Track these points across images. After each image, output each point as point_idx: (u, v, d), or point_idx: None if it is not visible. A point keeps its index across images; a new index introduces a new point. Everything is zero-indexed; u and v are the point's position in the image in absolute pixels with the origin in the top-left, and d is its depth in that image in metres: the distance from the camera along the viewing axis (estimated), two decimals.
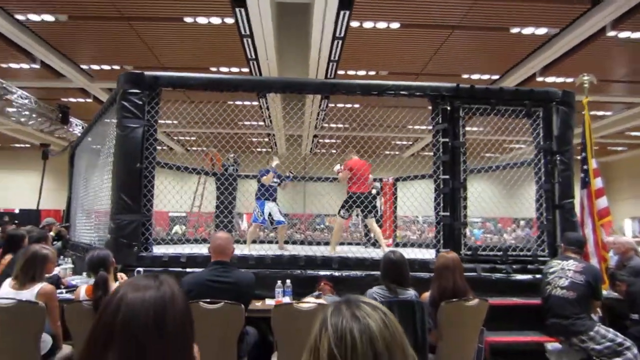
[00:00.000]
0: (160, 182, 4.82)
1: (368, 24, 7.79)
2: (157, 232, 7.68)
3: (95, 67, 10.21)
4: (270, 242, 8.31)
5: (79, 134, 10.57)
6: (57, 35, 8.59)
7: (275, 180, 6.61)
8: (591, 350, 3.67)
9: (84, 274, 5.09)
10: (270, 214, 6.50)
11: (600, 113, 13.63)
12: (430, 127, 4.87)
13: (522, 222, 10.99)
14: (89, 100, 12.43)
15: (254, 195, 6.68)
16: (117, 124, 4.51)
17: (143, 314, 1.01)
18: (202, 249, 4.68)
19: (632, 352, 3.57)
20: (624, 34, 7.99)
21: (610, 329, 3.74)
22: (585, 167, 4.87)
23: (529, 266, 4.54)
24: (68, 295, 4.06)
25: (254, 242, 6.94)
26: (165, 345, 1.02)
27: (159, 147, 4.66)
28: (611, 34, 7.95)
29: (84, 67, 10.29)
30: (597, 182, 4.78)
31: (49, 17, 7.68)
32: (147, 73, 4.55)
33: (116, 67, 9.92)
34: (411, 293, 3.26)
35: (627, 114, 13.55)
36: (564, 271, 3.88)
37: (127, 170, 4.44)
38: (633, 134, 16.12)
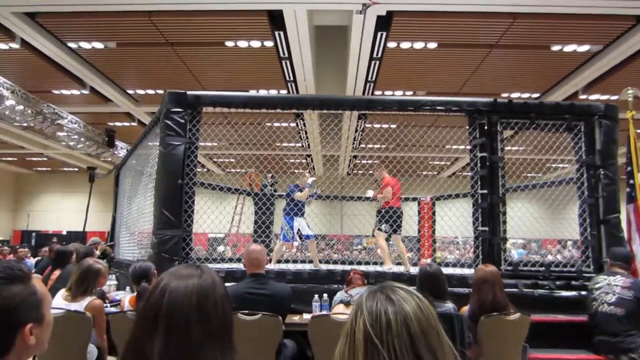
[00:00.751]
0: (198, 202, 4.93)
1: (405, 45, 7.85)
2: (196, 252, 7.85)
3: (140, 91, 10.69)
4: (295, 260, 8.31)
5: (124, 157, 11.04)
6: (106, 62, 9.06)
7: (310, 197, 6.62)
8: None
9: (127, 288, 5.27)
10: (299, 230, 6.52)
11: None
12: (469, 146, 4.83)
13: (569, 243, 10.57)
14: (133, 124, 12.94)
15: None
16: (160, 142, 4.70)
17: (186, 300, 1.07)
18: (240, 266, 4.75)
19: None
20: None
21: None
22: (631, 181, 4.70)
23: (573, 282, 4.37)
24: (113, 309, 4.20)
25: (279, 261, 6.94)
26: (207, 328, 1.07)
27: (198, 170, 4.80)
28: None
29: (130, 91, 10.77)
30: None
31: (98, 45, 8.14)
32: (189, 92, 4.74)
33: (160, 91, 10.34)
34: (449, 306, 3.19)
35: None
36: (610, 287, 3.74)
37: (169, 186, 4.60)
38: None
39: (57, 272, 4.83)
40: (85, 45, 8.17)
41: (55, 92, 10.53)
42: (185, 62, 8.81)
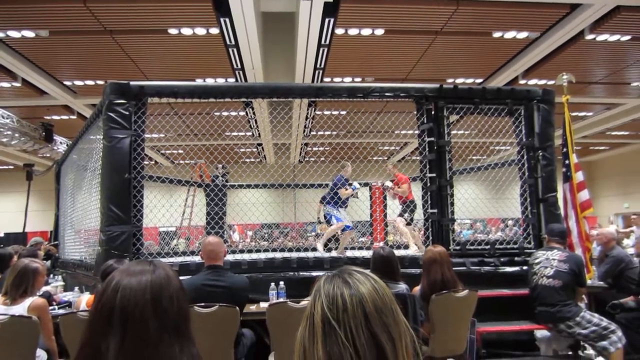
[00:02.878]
0: (147, 196, 4.79)
1: (353, 31, 7.89)
2: (147, 247, 7.65)
3: (78, 82, 10.16)
4: (250, 250, 8.27)
5: (64, 152, 10.50)
6: (38, 52, 8.53)
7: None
8: (578, 335, 3.78)
9: (76, 289, 5.07)
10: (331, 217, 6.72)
11: (582, 114, 13.91)
12: (417, 131, 4.96)
13: (510, 222, 11.13)
14: (73, 117, 12.33)
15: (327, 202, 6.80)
16: (104, 135, 4.51)
17: (140, 296, 1.06)
18: (195, 258, 4.68)
19: (616, 335, 3.68)
20: (601, 37, 8.20)
21: (596, 314, 3.86)
22: (567, 162, 5.00)
23: (516, 258, 4.64)
24: (61, 311, 4.03)
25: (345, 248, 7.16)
26: (164, 323, 1.06)
27: (145, 163, 4.66)
28: (589, 37, 8.15)
29: (67, 83, 10.22)
30: (579, 176, 4.90)
31: (29, 33, 7.61)
32: (132, 83, 4.56)
33: (100, 82, 9.88)
34: (403, 287, 3.31)
35: (608, 114, 13.86)
36: (548, 261, 3.99)
37: (115, 181, 4.44)
38: (614, 133, 16.46)
39: None
40: (14, 34, 7.61)
41: None
42: (126, 51, 8.45)
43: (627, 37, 8.26)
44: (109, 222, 4.37)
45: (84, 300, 3.40)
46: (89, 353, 1.03)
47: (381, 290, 0.96)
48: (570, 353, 4.07)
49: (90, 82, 10.06)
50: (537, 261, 4.08)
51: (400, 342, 0.91)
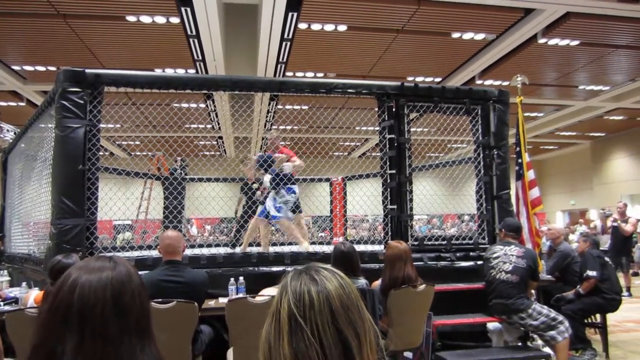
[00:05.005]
0: (102, 189, 4.62)
1: (316, 26, 7.88)
2: (101, 240, 7.40)
3: (28, 68, 9.66)
4: (210, 245, 8.19)
5: (11, 140, 9.98)
6: None
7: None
8: (529, 326, 3.96)
9: (24, 284, 4.85)
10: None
11: (534, 114, 14.50)
12: (377, 128, 5.02)
13: (466, 217, 11.49)
14: (21, 103, 11.72)
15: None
16: (57, 124, 4.31)
17: (100, 294, 1.02)
18: (152, 253, 4.57)
19: (564, 326, 3.90)
20: (553, 41, 8.57)
21: (545, 307, 4.06)
22: (519, 160, 5.21)
23: (471, 253, 4.79)
24: (7, 308, 3.85)
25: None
26: (125, 322, 1.03)
27: (99, 153, 4.50)
28: (542, 40, 8.50)
29: (16, 68, 9.70)
30: (530, 174, 5.12)
31: None
32: (88, 70, 4.38)
33: (52, 68, 9.42)
34: (362, 282, 3.36)
35: (557, 115, 14.52)
36: (507, 256, 4.13)
37: (68, 172, 4.25)
38: (562, 133, 17.27)
39: None
40: None
41: None
42: (80, 37, 8.10)
43: (576, 42, 8.68)
44: (60, 214, 4.19)
45: (32, 296, 3.26)
46: (43, 355, 0.98)
47: (347, 287, 0.97)
48: (520, 344, 4.26)
49: (41, 68, 9.58)
50: (494, 255, 4.21)
51: (365, 339, 0.93)
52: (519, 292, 3.99)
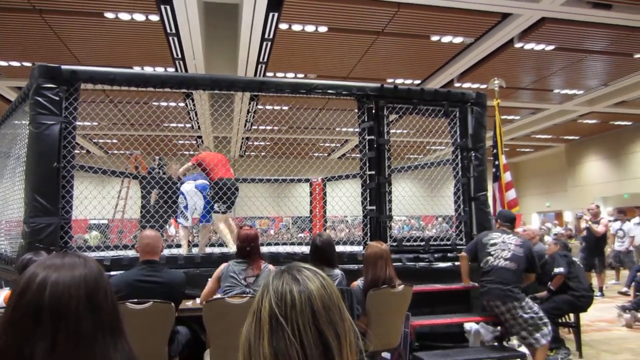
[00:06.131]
0: (77, 187, 4.54)
1: (297, 27, 7.88)
2: (76, 240, 7.24)
3: (2, 63, 9.42)
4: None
5: None
6: None
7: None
8: (518, 318, 3.95)
9: None
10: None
11: (510, 117, 14.78)
12: (357, 129, 5.05)
13: (439, 219, 11.62)
14: None
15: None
16: (31, 121, 4.21)
17: (74, 292, 0.99)
18: (128, 252, 4.51)
19: (548, 328, 3.96)
20: (529, 46, 8.77)
21: (535, 304, 4.13)
22: (496, 162, 5.31)
23: (448, 254, 4.85)
24: None
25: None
26: (98, 320, 1.01)
27: (75, 151, 4.41)
28: (518, 45, 8.69)
29: None
30: (507, 176, 5.22)
31: None
32: (64, 67, 4.28)
33: (27, 64, 9.22)
34: (338, 272, 3.42)
35: (533, 118, 14.83)
36: (506, 244, 4.18)
37: (42, 170, 4.16)
38: (538, 136, 17.64)
39: None
40: None
41: None
42: (57, 32, 7.94)
43: (551, 47, 8.89)
44: (33, 213, 4.09)
45: (1, 295, 3.17)
46: (10, 357, 0.94)
47: (329, 288, 0.97)
48: (496, 344, 4.33)
49: (15, 63, 9.37)
50: (492, 242, 4.23)
51: (346, 340, 0.94)
52: (517, 281, 4.04)
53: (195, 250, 6.31)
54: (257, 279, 3.39)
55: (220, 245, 6.89)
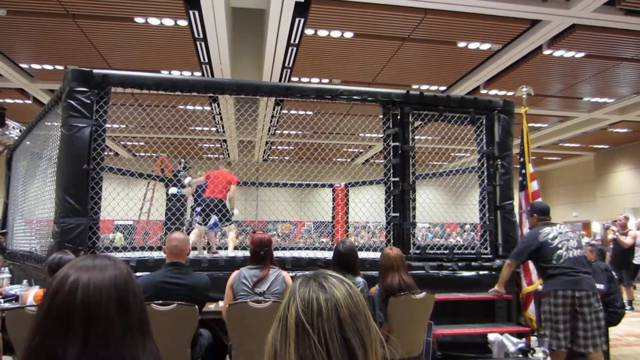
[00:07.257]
0: (105, 188, 4.63)
1: (322, 32, 7.91)
2: (102, 240, 7.41)
3: (36, 66, 9.72)
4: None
5: (17, 137, 10.01)
6: None
7: None
8: (600, 312, 3.70)
9: (25, 282, 4.86)
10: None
11: (538, 125, 14.49)
12: (381, 135, 5.02)
13: (467, 226, 11.46)
14: (28, 101, 11.79)
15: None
16: (63, 123, 4.34)
17: (105, 293, 1.02)
18: (153, 254, 4.57)
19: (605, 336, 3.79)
20: (558, 53, 8.59)
21: None
22: (523, 171, 5.20)
23: (472, 263, 4.77)
24: (7, 305, 3.86)
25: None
26: (128, 321, 1.03)
27: (104, 152, 4.51)
28: (547, 52, 8.52)
29: (24, 66, 9.75)
30: (534, 185, 5.11)
31: None
32: (95, 70, 4.41)
33: (59, 67, 9.50)
34: (359, 280, 3.40)
35: (561, 126, 14.51)
36: (564, 234, 3.96)
37: (73, 171, 4.28)
38: (566, 145, 17.24)
39: None
40: None
41: None
42: (89, 37, 8.16)
43: (582, 55, 8.69)
44: (64, 213, 4.20)
45: (31, 294, 3.25)
46: (42, 358, 0.96)
47: (355, 296, 0.97)
48: (520, 356, 4.24)
49: (48, 67, 9.65)
50: (551, 236, 3.97)
51: (372, 348, 0.93)
52: (587, 269, 3.87)
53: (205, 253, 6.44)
54: (265, 283, 3.32)
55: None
